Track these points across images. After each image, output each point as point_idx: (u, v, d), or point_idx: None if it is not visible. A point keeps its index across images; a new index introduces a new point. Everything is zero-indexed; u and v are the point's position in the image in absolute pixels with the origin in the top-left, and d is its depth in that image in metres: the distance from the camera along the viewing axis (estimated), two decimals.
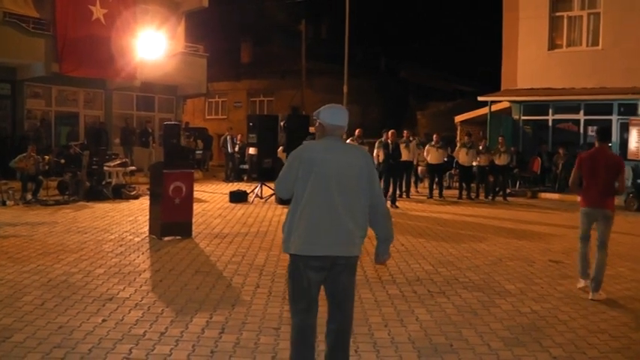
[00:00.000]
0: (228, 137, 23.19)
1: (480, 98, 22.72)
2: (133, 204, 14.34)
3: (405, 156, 16.80)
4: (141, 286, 6.91)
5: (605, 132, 8.24)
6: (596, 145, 7.66)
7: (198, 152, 24.98)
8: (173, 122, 15.47)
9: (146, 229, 10.49)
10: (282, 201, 14.94)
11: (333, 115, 4.33)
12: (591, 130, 21.47)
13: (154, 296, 6.52)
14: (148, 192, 16.05)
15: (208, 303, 6.33)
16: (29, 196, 14.01)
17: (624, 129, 20.30)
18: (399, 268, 8.31)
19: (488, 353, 5.17)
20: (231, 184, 20.75)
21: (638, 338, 5.74)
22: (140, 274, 7.47)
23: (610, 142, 9.83)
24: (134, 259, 8.32)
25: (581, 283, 7.55)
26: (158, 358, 4.75)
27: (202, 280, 7.28)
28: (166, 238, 9.76)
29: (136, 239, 9.81)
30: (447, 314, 6.26)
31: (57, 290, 6.62)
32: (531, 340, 5.54)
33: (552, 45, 22.08)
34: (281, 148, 17.59)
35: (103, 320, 5.66)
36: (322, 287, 4.26)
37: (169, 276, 7.45)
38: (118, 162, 16.29)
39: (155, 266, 7.97)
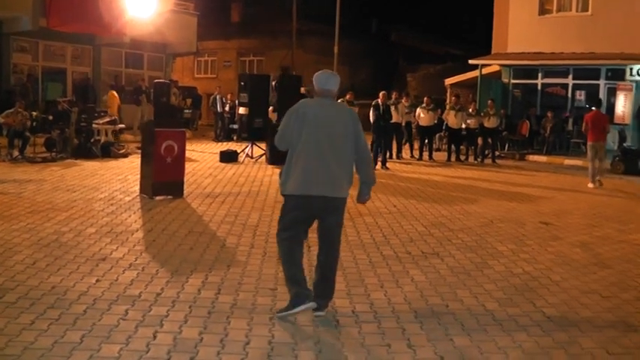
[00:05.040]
0: (217, 97, 23.00)
1: (471, 61, 22.70)
2: (122, 162, 14.22)
3: (394, 118, 16.75)
4: (134, 246, 6.86)
5: (599, 101, 15.48)
6: (595, 109, 14.13)
7: (187, 111, 24.74)
8: (164, 80, 15.27)
9: (136, 188, 10.40)
10: (272, 161, 14.91)
11: (323, 79, 5.08)
12: (579, 95, 21.62)
13: (148, 256, 6.48)
14: (138, 150, 16.03)
15: (203, 263, 6.30)
16: (16, 153, 13.85)
17: (611, 93, 20.48)
18: (392, 229, 8.33)
19: (484, 314, 5.20)
20: (220, 143, 20.64)
21: (627, 298, 5.82)
22: (132, 234, 7.42)
23: (600, 106, 14.87)
24: (126, 219, 8.25)
25: (590, 185, 13.38)
26: (155, 320, 4.71)
27: (196, 241, 7.25)
28: (158, 198, 9.67)
29: (127, 198, 9.73)
30: (442, 275, 6.28)
31: (48, 249, 6.55)
32: (525, 301, 5.58)
33: (543, 10, 22.11)
34: (271, 108, 17.46)
35: (97, 280, 5.60)
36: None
37: (162, 236, 7.40)
38: (107, 119, 16.07)
39: (147, 226, 7.91)
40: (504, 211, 10.09)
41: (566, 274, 6.49)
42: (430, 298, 5.54)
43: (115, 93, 20.32)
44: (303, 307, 4.81)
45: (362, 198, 5.18)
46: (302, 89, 18.14)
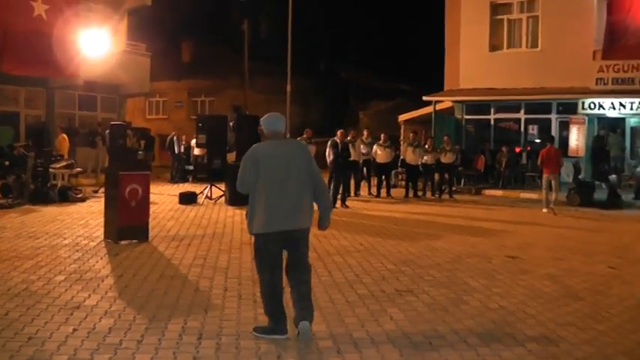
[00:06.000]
0: (175, 138, 22.85)
1: (425, 98, 23.11)
2: (81, 207, 13.96)
3: (352, 156, 16.86)
4: (106, 293, 6.71)
5: (552, 137, 16.80)
6: (549, 144, 15.46)
7: (140, 153, 24.48)
8: (120, 122, 15.12)
9: (100, 232, 10.22)
10: (232, 202, 14.82)
11: (270, 122, 5.52)
12: (532, 129, 22.22)
13: (123, 303, 6.34)
14: (94, 194, 15.77)
15: (180, 308, 6.20)
16: None
17: (563, 127, 21.09)
18: (362, 267, 8.34)
19: (467, 349, 5.24)
20: (176, 185, 20.46)
21: (603, 329, 5.93)
22: (103, 280, 7.27)
23: (553, 141, 16.09)
24: (94, 265, 8.08)
25: (544, 210, 14.98)
26: None
27: (169, 285, 7.13)
28: (123, 242, 9.51)
29: (92, 244, 9.54)
30: (419, 312, 6.31)
31: (19, 299, 6.36)
32: (505, 335, 5.64)
33: (493, 46, 22.67)
34: (228, 148, 17.43)
35: (74, 330, 5.45)
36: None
37: (134, 281, 7.27)
38: (64, 163, 15.80)
39: (117, 271, 7.76)
40: (469, 246, 10.22)
41: (541, 308, 6.59)
42: (412, 336, 5.55)
43: (65, 136, 20.03)
44: (277, 337, 5.28)
45: (323, 224, 5.56)
46: (259, 129, 18.16)
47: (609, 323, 6.15)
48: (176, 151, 22.61)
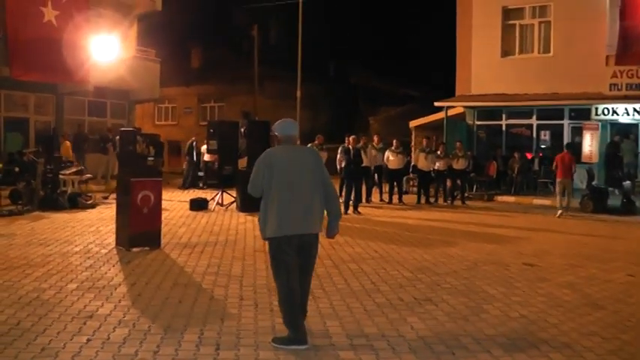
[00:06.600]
0: (194, 144, 22.70)
1: (436, 104, 22.96)
2: (91, 213, 13.87)
3: (363, 162, 16.73)
4: (120, 302, 6.60)
5: (569, 144, 17.39)
6: (565, 150, 16.21)
7: (150, 159, 24.36)
8: (130, 128, 15.03)
9: (111, 239, 10.13)
10: (243, 208, 14.71)
11: (284, 127, 5.60)
12: (544, 135, 22.03)
13: (137, 312, 6.22)
14: (104, 200, 15.70)
15: (195, 317, 6.07)
16: None
17: (575, 133, 20.90)
18: (378, 275, 8.21)
19: None
20: (187, 191, 20.37)
21: (628, 339, 5.78)
22: (116, 289, 7.15)
23: (570, 148, 16.40)
24: (106, 273, 7.98)
25: (558, 213, 15.30)
26: None
27: (183, 293, 7.01)
28: (135, 249, 9.41)
29: (103, 251, 9.44)
30: (440, 322, 6.17)
31: (31, 308, 6.25)
32: (528, 345, 5.50)
33: (505, 52, 22.48)
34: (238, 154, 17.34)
35: (88, 340, 5.33)
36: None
37: (147, 289, 7.16)
38: (74, 170, 15.73)
39: (130, 279, 7.65)
40: (485, 253, 10.07)
41: (562, 317, 6.45)
42: (434, 346, 5.42)
43: (68, 143, 20.00)
44: (297, 347, 5.18)
45: (332, 232, 5.62)
46: (271, 133, 18.06)
47: (633, 332, 6.01)
48: (194, 158, 22.44)
